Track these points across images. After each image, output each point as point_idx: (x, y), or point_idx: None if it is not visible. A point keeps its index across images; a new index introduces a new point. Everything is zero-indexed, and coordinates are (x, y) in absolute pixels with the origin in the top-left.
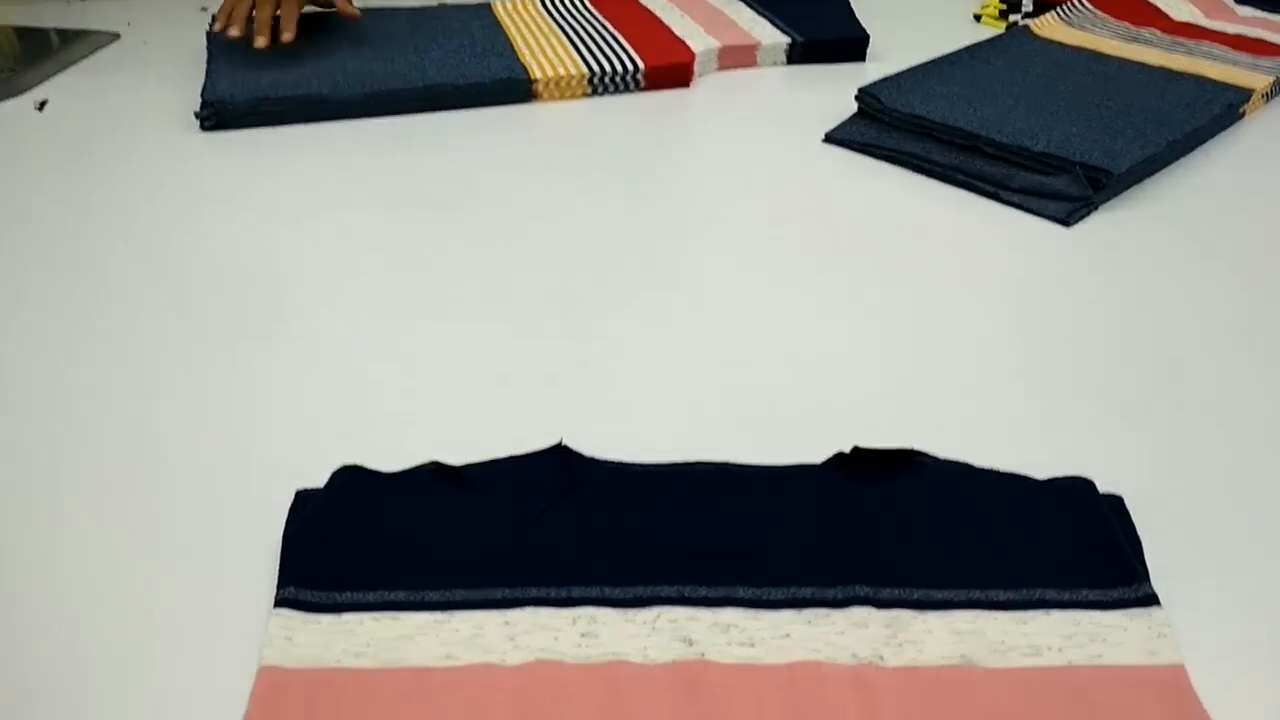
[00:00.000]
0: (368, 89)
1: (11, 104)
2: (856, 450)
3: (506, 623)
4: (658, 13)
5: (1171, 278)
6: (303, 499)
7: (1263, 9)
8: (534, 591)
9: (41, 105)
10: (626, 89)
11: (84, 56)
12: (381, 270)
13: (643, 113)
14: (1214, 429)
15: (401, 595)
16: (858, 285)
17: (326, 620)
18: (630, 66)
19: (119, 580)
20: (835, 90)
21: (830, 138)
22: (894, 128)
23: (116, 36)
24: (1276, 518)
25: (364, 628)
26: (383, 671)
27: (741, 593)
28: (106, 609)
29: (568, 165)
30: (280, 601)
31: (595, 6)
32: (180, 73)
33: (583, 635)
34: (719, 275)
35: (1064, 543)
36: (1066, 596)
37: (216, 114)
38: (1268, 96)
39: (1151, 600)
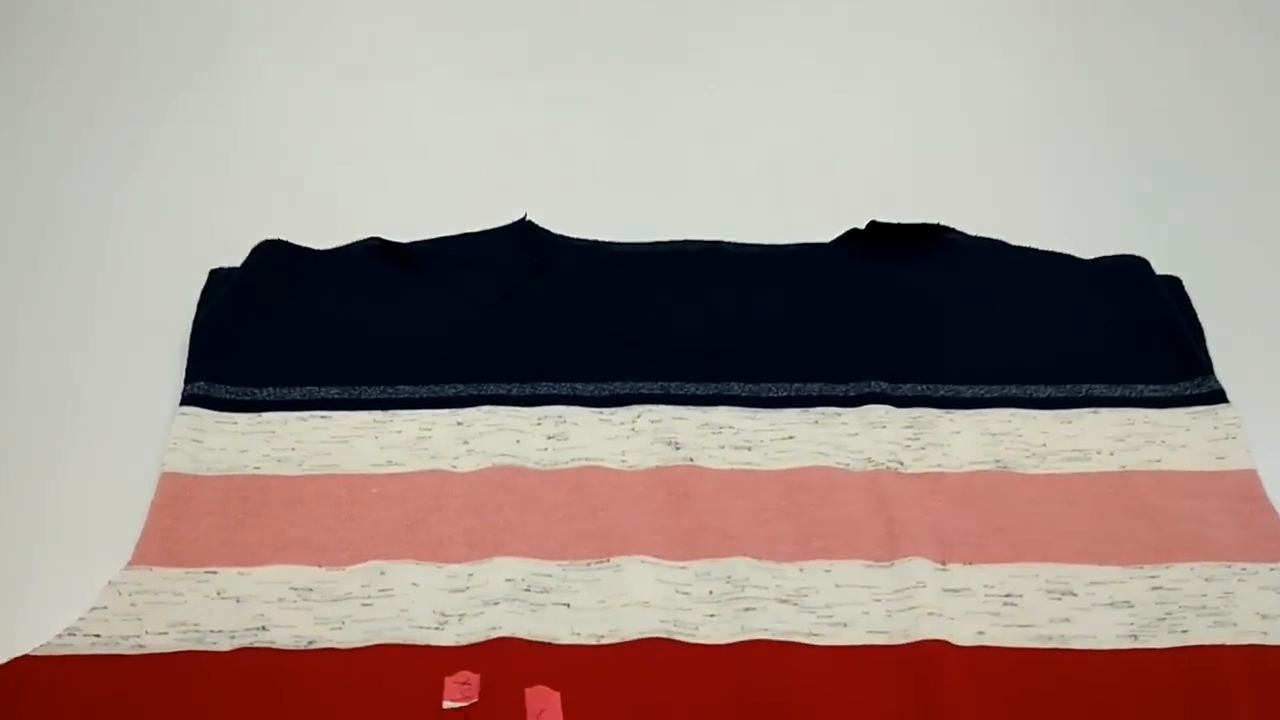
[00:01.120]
0: None
1: None
2: (874, 225)
3: (459, 423)
4: None
5: (1229, 34)
6: (218, 278)
7: None
8: (492, 388)
9: None
10: None
11: None
12: (323, 9)
13: None
14: None
15: (334, 392)
16: (875, 40)
17: (244, 420)
18: None
19: (11, 366)
20: None
21: None
22: None
23: None
24: None
25: (289, 429)
26: (309, 479)
27: (736, 389)
28: None
29: None
30: (188, 399)
31: None
32: None
33: (549, 438)
34: (718, 32)
35: (1114, 331)
36: (1118, 393)
37: None
38: None
39: (1218, 396)
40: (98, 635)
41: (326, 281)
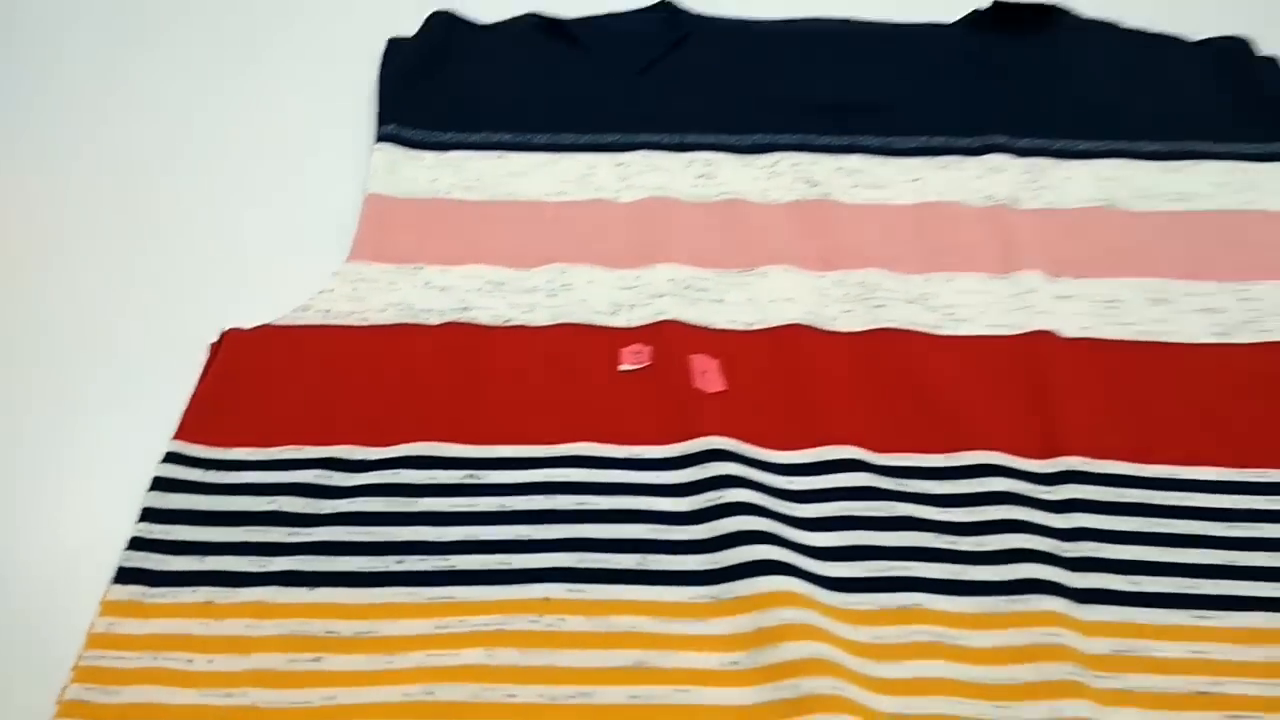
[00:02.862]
0: None
1: None
2: (997, 4)
3: (619, 164)
4: None
5: None
6: (396, 45)
7: None
8: (645, 137)
9: None
10: None
11: None
12: None
13: None
14: None
15: (507, 137)
16: None
17: (430, 156)
18: None
19: (212, 114)
20: None
21: None
22: None
23: None
24: None
25: (471, 164)
26: (494, 204)
27: (867, 141)
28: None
29: None
30: (382, 138)
31: None
32: None
33: (698, 177)
34: None
35: (1216, 99)
36: (1220, 149)
37: None
38: None
39: None
40: (327, 310)
41: (492, 46)
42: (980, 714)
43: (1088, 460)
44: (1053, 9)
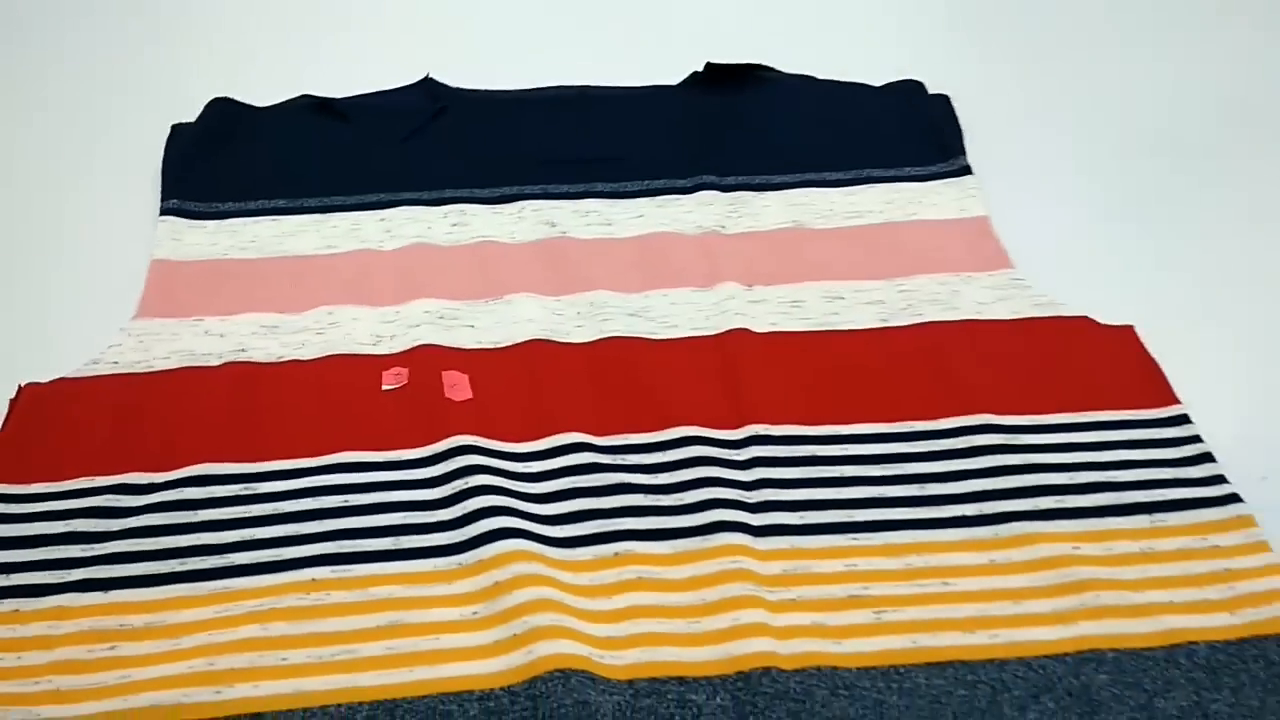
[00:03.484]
0: None
1: None
2: (710, 66)
3: (382, 219)
4: None
5: None
6: (178, 130)
7: None
8: (408, 195)
9: None
10: None
11: None
12: None
13: None
14: (1040, 35)
15: (282, 203)
16: None
17: (211, 225)
18: None
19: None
20: None
21: None
22: None
23: None
24: (1082, 114)
25: (248, 229)
26: (268, 260)
27: (601, 187)
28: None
29: None
30: (165, 211)
31: None
32: None
33: (454, 225)
34: None
35: (890, 131)
36: (889, 174)
37: None
38: None
39: (965, 171)
40: (115, 361)
41: (268, 124)
42: (676, 629)
43: (768, 426)
44: (757, 67)
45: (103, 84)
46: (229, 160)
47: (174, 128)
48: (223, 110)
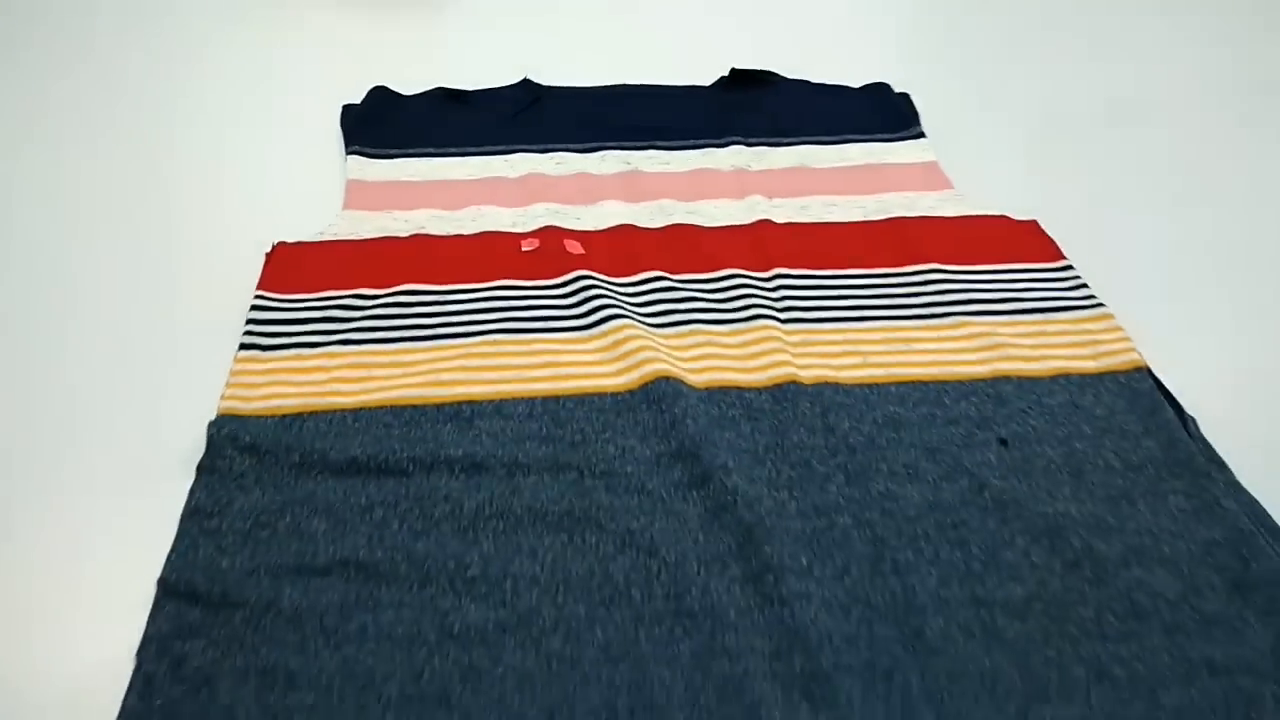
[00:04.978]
0: None
1: None
2: (734, 71)
3: (505, 160)
4: None
5: (991, 15)
6: (348, 108)
7: None
8: (520, 147)
9: None
10: None
11: None
12: None
13: None
14: (997, 41)
15: (430, 149)
16: None
17: (383, 162)
18: None
19: (266, 151)
20: None
21: None
22: None
23: None
24: (1001, 104)
25: (409, 164)
26: (427, 181)
27: (660, 144)
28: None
29: None
30: (350, 153)
31: None
32: None
33: (557, 164)
34: None
35: (864, 113)
36: (866, 137)
37: None
38: None
39: (919, 135)
40: (335, 234)
41: (412, 105)
42: (731, 366)
43: (788, 269)
44: (768, 73)
45: (292, 77)
46: (389, 125)
47: (345, 106)
48: (381, 94)
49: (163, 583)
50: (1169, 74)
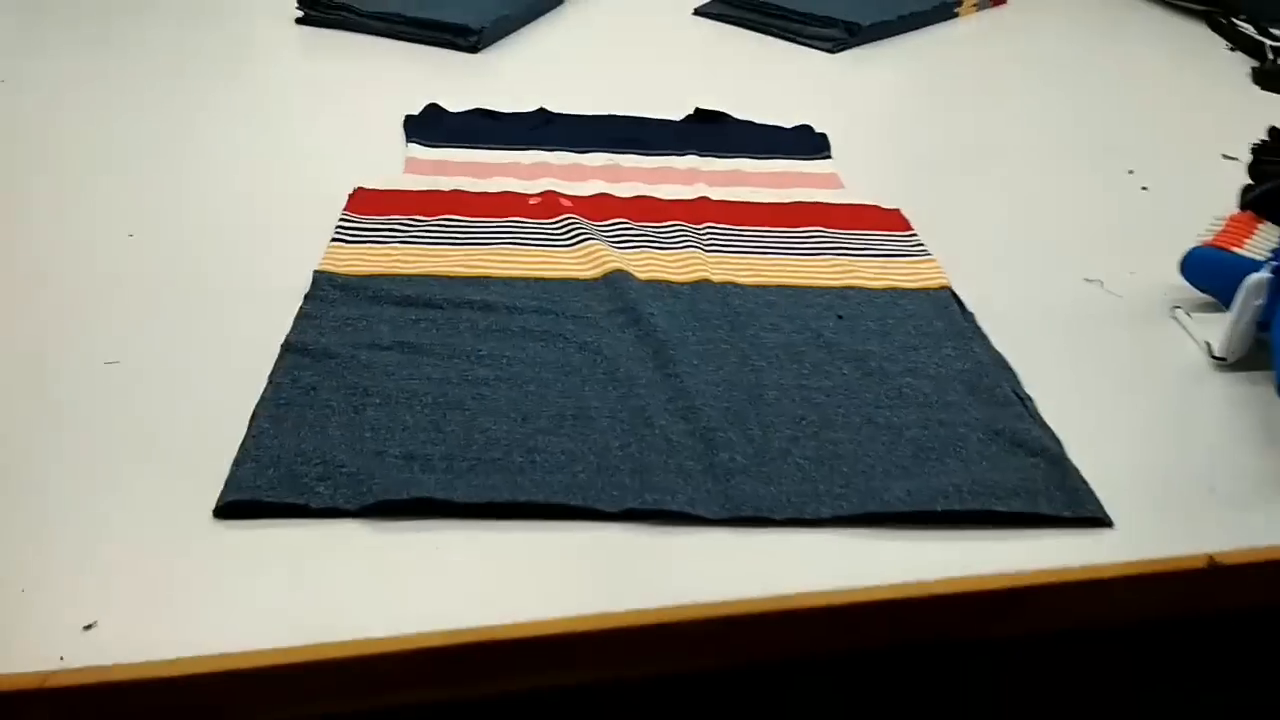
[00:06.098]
0: None
1: None
2: (698, 110)
3: (522, 153)
4: None
5: (888, 84)
6: (409, 117)
7: None
8: (534, 146)
9: None
10: None
11: None
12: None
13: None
14: (895, 100)
15: (468, 144)
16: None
17: (434, 149)
18: None
19: (346, 145)
20: None
21: (698, 11)
22: (744, 6)
23: None
24: (913, 139)
25: (453, 151)
26: (465, 161)
27: (636, 150)
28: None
29: None
30: (409, 142)
31: None
32: None
33: (559, 158)
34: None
35: (791, 143)
36: (789, 157)
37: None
38: (977, 6)
39: (828, 157)
40: (397, 185)
41: (456, 118)
42: (664, 271)
43: (715, 223)
44: (723, 113)
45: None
46: (438, 127)
47: (406, 115)
48: (433, 108)
49: (286, 344)
50: (1005, 123)
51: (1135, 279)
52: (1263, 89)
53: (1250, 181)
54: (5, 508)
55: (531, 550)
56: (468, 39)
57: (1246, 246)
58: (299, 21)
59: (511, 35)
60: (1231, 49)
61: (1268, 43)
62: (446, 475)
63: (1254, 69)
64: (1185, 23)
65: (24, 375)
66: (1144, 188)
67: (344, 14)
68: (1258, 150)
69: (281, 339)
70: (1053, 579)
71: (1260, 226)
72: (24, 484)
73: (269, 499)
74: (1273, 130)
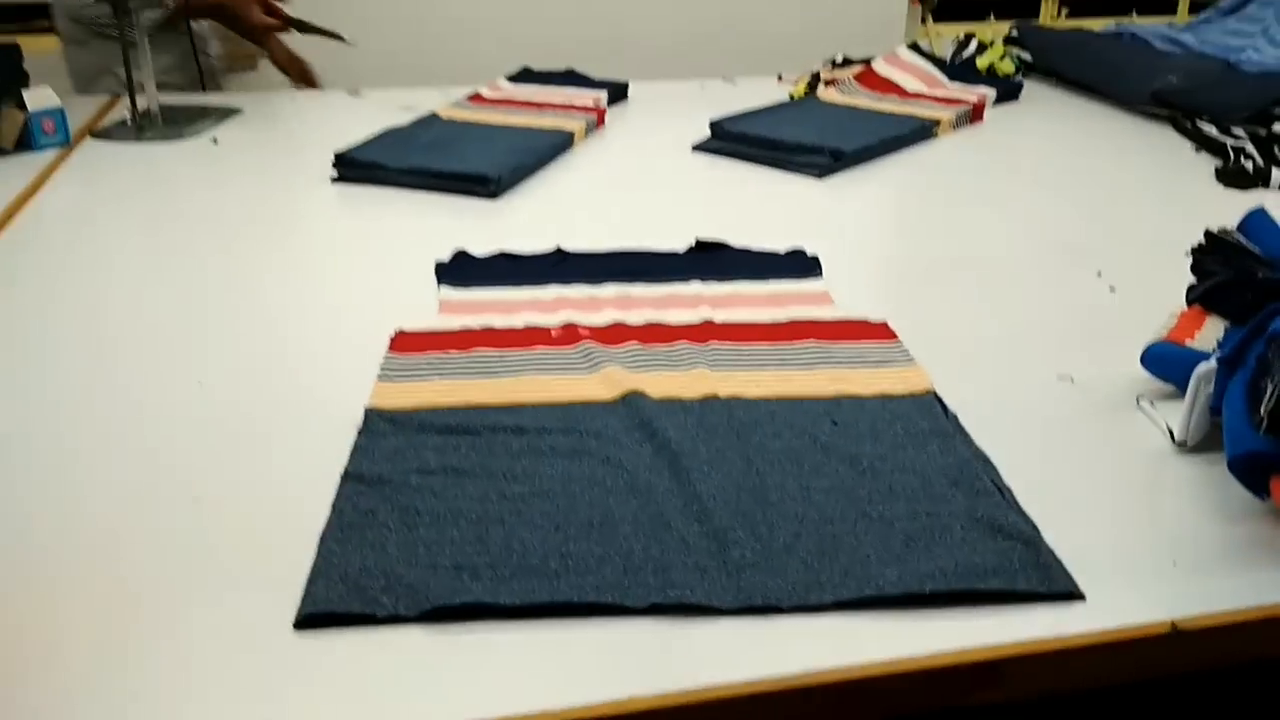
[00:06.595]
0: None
1: (193, 141)
2: (698, 241)
3: (542, 290)
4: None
5: (873, 204)
6: (439, 264)
7: (962, 83)
8: (553, 282)
9: (215, 140)
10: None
11: (226, 118)
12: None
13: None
14: (878, 223)
15: (494, 283)
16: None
17: (464, 290)
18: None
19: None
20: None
21: (696, 148)
22: (737, 140)
23: (240, 110)
24: (896, 254)
25: (482, 291)
26: (494, 300)
27: (644, 280)
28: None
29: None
30: (440, 284)
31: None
32: (288, 135)
33: (575, 291)
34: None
35: (785, 267)
36: (784, 278)
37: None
38: (954, 125)
39: (819, 276)
40: (433, 326)
41: (487, 260)
42: (675, 390)
43: (719, 343)
44: (721, 243)
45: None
46: (467, 270)
47: (437, 262)
48: (461, 253)
49: (345, 473)
50: (983, 232)
51: (1103, 373)
52: (1226, 186)
53: (1194, 279)
54: (108, 627)
55: (570, 643)
56: (487, 187)
57: (1197, 339)
58: (334, 180)
59: (527, 180)
60: (1197, 150)
61: (1229, 142)
62: (492, 582)
63: (1218, 168)
64: (1153, 127)
65: (121, 509)
66: (1112, 288)
67: (375, 171)
68: (1196, 251)
69: (341, 469)
70: (1030, 649)
71: (1208, 320)
72: (124, 604)
73: (341, 610)
74: (1208, 233)
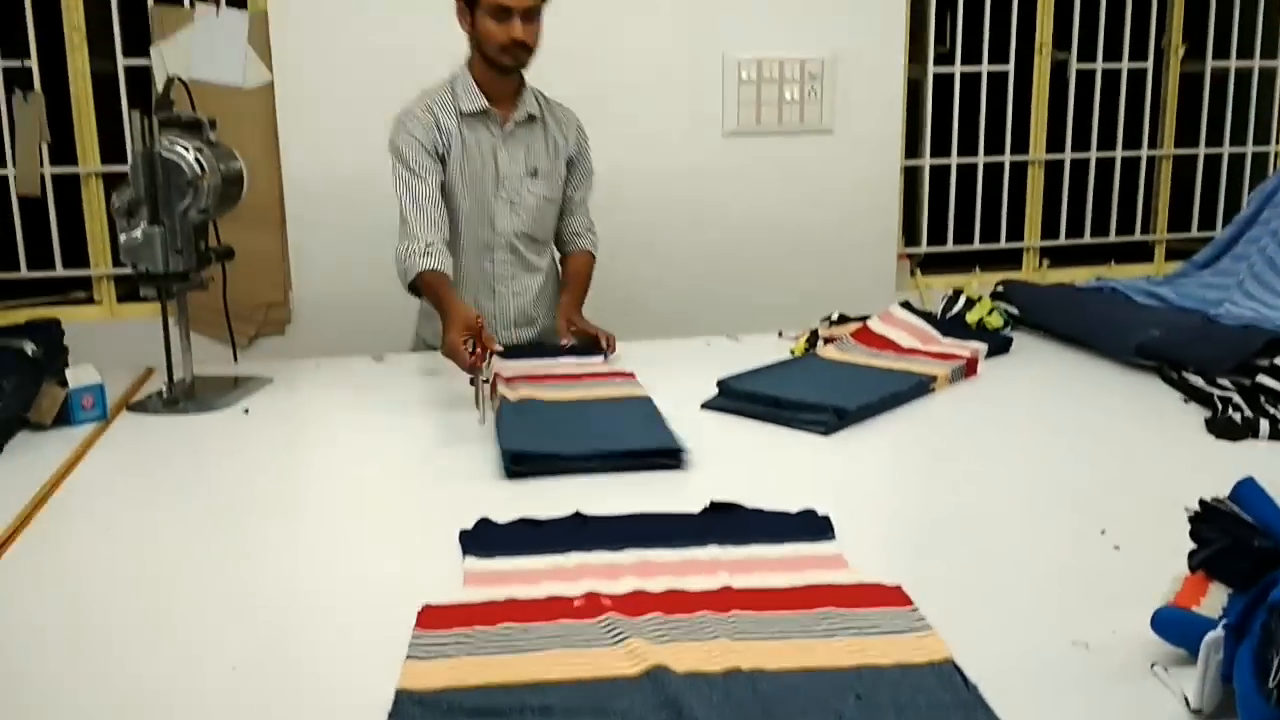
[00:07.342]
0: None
1: (226, 411)
2: (713, 503)
3: (564, 558)
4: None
5: (878, 461)
6: (463, 532)
7: (955, 338)
8: (574, 549)
9: (246, 410)
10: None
11: (259, 389)
12: None
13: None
14: (883, 480)
15: (518, 551)
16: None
17: (489, 560)
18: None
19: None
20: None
21: (705, 405)
22: (745, 399)
23: (270, 380)
24: (900, 514)
25: (507, 560)
26: (518, 570)
27: (662, 545)
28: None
29: None
30: (465, 555)
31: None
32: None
33: (596, 558)
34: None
35: (798, 528)
36: (796, 539)
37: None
38: (950, 379)
39: (832, 538)
40: (459, 600)
41: (509, 529)
42: (699, 664)
43: (740, 612)
44: (735, 504)
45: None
46: (490, 538)
47: (461, 530)
48: (485, 521)
49: None
50: (985, 487)
51: (1116, 637)
52: (1217, 438)
53: (1194, 546)
54: None
55: None
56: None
57: (1203, 605)
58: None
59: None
60: (1186, 400)
61: (1216, 393)
62: None
63: (1207, 420)
64: (1141, 377)
65: None
66: (1116, 546)
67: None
68: (1194, 519)
69: None
70: None
71: (1211, 585)
72: None
73: None
74: (1203, 503)
